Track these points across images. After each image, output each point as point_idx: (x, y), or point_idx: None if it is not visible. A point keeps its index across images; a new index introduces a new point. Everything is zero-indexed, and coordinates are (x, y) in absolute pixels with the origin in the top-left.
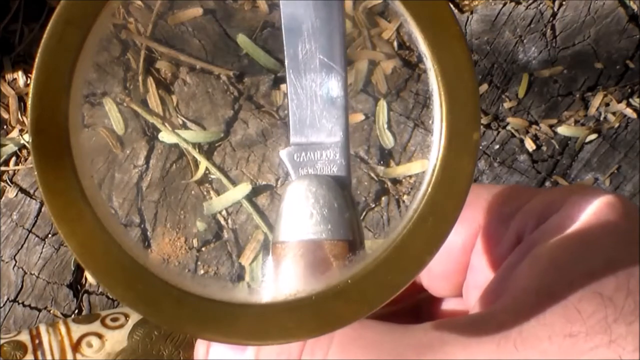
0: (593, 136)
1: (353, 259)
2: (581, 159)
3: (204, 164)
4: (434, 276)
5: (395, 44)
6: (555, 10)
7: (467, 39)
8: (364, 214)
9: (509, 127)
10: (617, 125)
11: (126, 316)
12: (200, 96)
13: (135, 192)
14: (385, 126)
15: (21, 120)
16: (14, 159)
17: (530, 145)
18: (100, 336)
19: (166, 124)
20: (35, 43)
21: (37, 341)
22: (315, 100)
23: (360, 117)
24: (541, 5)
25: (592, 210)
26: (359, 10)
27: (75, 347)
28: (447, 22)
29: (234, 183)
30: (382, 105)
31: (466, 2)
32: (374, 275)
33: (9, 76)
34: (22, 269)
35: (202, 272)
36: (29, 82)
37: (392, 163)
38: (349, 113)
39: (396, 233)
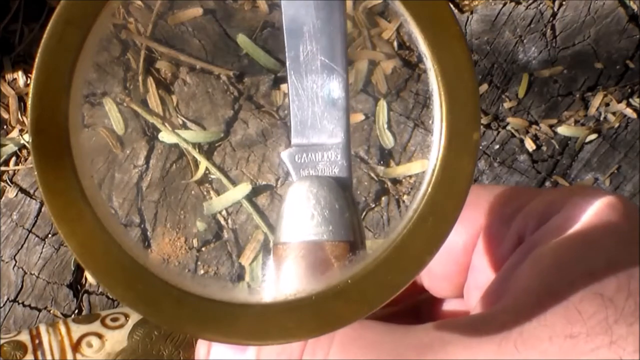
0: (593, 136)
1: (353, 259)
2: (581, 159)
3: (204, 164)
4: (434, 277)
5: (395, 44)
6: (555, 10)
7: (467, 39)
8: (364, 214)
9: (509, 127)
10: (617, 125)
11: (126, 316)
12: (200, 96)
13: (135, 192)
14: (385, 126)
15: (21, 120)
16: (14, 159)
17: (530, 145)
18: (100, 336)
19: (166, 124)
20: (35, 43)
21: (37, 341)
22: (316, 102)
23: (360, 117)
24: (541, 5)
25: (593, 211)
26: (359, 10)
27: (75, 347)
28: (447, 22)
29: (234, 183)
30: (382, 105)
31: (466, 2)
32: (374, 275)
33: (9, 76)
34: (22, 269)
35: (202, 272)
36: (29, 82)
37: (392, 163)
38: (350, 114)
39: (396, 233)
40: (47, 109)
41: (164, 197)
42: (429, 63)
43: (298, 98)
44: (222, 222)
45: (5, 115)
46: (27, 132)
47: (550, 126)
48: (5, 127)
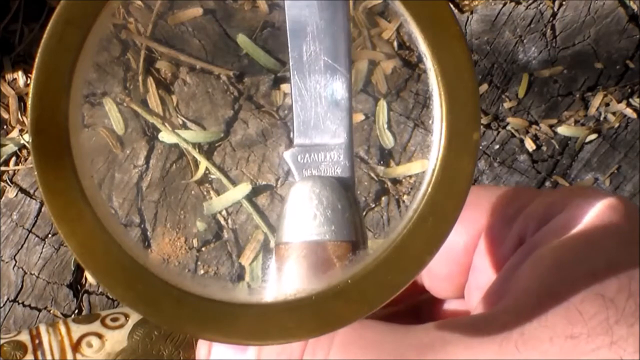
0: (593, 136)
1: (353, 259)
2: (581, 159)
3: (204, 164)
4: (435, 277)
5: (395, 44)
6: (555, 10)
7: (467, 39)
8: (364, 214)
9: (509, 127)
10: (617, 125)
11: (126, 316)
12: (200, 96)
13: (135, 192)
14: (385, 126)
15: (21, 120)
16: (14, 159)
17: (530, 145)
18: (100, 336)
19: (166, 124)
20: (35, 43)
21: (37, 341)
22: (319, 102)
23: (360, 117)
24: (541, 5)
25: (594, 212)
26: (359, 10)
27: (75, 347)
28: (447, 22)
29: (234, 183)
30: (382, 105)
31: (466, 2)
32: (374, 275)
33: (9, 76)
34: (22, 269)
35: (202, 272)
36: (29, 82)
37: (392, 163)
38: (353, 114)
39: (396, 233)
40: (47, 109)
41: (164, 197)
42: (429, 63)
43: (301, 98)
44: (222, 222)
45: (5, 115)
46: (27, 132)
47: (550, 126)
48: (5, 127)
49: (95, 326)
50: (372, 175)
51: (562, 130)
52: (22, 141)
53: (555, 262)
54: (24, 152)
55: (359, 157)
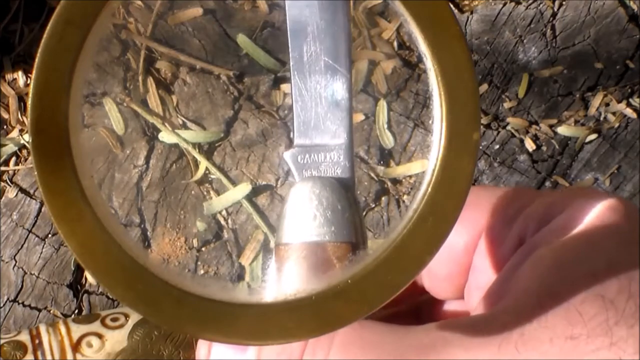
0: (593, 136)
1: (353, 259)
2: (581, 159)
3: (204, 164)
4: (435, 278)
5: (395, 44)
6: (555, 10)
7: (467, 39)
8: (364, 214)
9: (509, 127)
10: (617, 125)
11: (126, 316)
12: (200, 96)
13: (135, 192)
14: (385, 126)
15: (21, 120)
16: (14, 159)
17: (530, 145)
18: (100, 336)
19: (166, 124)
20: (35, 43)
21: (37, 341)
22: (319, 102)
23: (360, 117)
24: (541, 5)
25: (594, 213)
26: (359, 10)
27: (75, 347)
28: (447, 22)
29: (234, 183)
30: (382, 105)
31: (466, 2)
32: (374, 275)
33: (9, 76)
34: (22, 269)
35: (202, 272)
36: (29, 82)
37: (392, 163)
38: (353, 115)
39: (396, 233)
40: (47, 109)
41: (164, 197)
42: (429, 63)
43: (301, 98)
44: (222, 222)
45: (5, 115)
46: (27, 132)
47: (550, 126)
48: (5, 127)
49: (95, 326)
50: (372, 175)
51: (562, 130)
52: (22, 141)
53: (556, 262)
54: (24, 152)
55: (359, 157)
